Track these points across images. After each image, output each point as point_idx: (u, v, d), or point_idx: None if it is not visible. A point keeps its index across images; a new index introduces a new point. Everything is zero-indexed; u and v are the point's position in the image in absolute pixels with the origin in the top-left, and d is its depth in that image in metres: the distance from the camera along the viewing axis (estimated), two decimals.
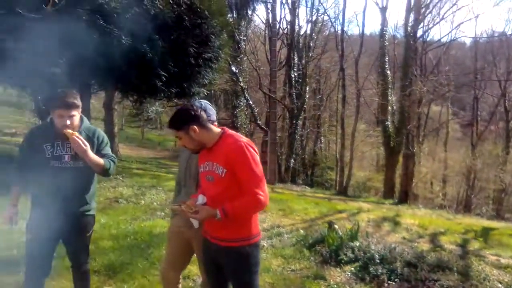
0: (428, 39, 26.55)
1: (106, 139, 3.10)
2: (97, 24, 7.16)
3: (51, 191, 2.88)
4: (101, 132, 3.11)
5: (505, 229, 11.23)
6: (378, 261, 5.21)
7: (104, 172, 2.94)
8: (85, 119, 3.07)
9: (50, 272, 3.03)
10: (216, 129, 2.50)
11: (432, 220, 10.65)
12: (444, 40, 27.73)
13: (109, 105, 16.46)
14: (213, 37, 9.22)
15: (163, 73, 8.55)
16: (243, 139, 2.43)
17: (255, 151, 2.42)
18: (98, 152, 2.98)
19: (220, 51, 9.74)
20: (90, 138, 2.97)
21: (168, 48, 8.45)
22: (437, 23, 23.74)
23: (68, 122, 2.81)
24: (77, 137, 2.76)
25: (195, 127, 2.39)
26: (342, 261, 5.24)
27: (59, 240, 3.05)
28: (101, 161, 2.88)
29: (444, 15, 26.45)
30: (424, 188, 30.47)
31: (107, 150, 3.07)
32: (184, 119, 2.41)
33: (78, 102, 2.87)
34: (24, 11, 5.11)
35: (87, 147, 2.78)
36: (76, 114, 2.86)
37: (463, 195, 29.82)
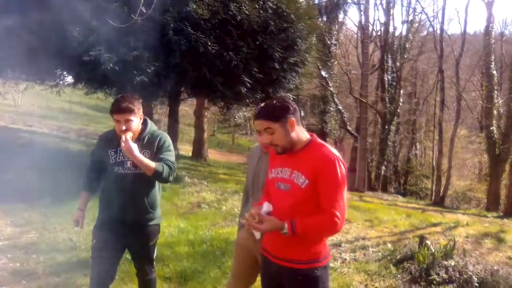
0: None
1: (168, 143, 2.99)
2: (184, 32, 7.34)
3: (114, 197, 2.88)
4: (164, 136, 3.02)
5: None
6: (476, 284, 4.62)
7: (157, 176, 2.81)
8: (150, 123, 3.02)
9: (115, 277, 3.04)
10: (306, 133, 2.27)
11: None
12: None
13: (199, 112, 17.00)
14: (300, 40, 9.01)
15: (247, 79, 8.53)
16: (335, 152, 2.18)
17: (345, 168, 2.18)
18: (158, 153, 2.89)
19: (307, 55, 9.51)
20: (152, 142, 2.92)
21: (253, 53, 8.42)
22: None
23: (124, 127, 2.78)
24: (124, 137, 2.71)
25: (294, 119, 2.17)
26: (434, 281, 4.73)
27: (123, 247, 3.04)
28: (151, 164, 2.76)
29: None
30: None
31: (167, 154, 2.94)
32: (284, 110, 2.17)
33: (134, 106, 2.81)
34: (114, 22, 5.32)
35: (133, 147, 2.70)
36: (133, 118, 2.81)
37: None
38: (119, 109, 2.78)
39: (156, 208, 3.03)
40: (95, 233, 2.97)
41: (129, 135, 2.75)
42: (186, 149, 19.31)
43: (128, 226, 2.87)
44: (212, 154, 22.55)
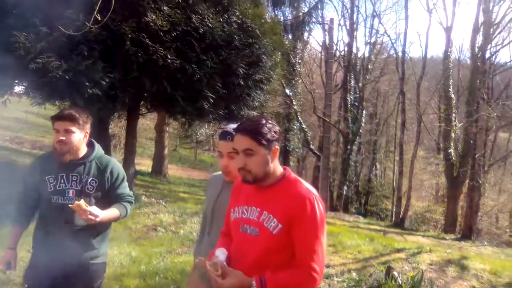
0: (495, 61, 24.91)
1: (122, 173, 2.63)
2: (142, 43, 6.89)
3: (52, 232, 2.43)
4: (116, 164, 2.64)
5: None
6: None
7: (122, 218, 2.60)
8: (97, 146, 2.61)
9: None
10: (280, 167, 1.92)
11: (504, 264, 9.37)
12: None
13: (160, 127, 16.42)
14: (265, 57, 8.71)
15: (210, 94, 8.13)
16: (313, 190, 1.84)
17: (324, 209, 1.82)
18: (112, 190, 2.56)
19: (272, 72, 9.22)
20: (101, 171, 2.53)
21: (217, 68, 8.05)
22: (507, 44, 21.85)
23: (63, 137, 2.39)
24: (84, 208, 2.30)
25: (277, 148, 1.84)
26: None
27: None
28: (115, 214, 2.52)
29: None
30: (489, 222, 28.12)
31: (123, 187, 2.62)
32: (274, 134, 1.82)
33: (78, 116, 2.43)
34: (67, 29, 4.85)
35: (99, 216, 2.36)
36: (75, 130, 2.43)
37: None
38: (60, 116, 2.42)
39: (102, 244, 2.62)
40: (27, 275, 2.52)
41: (82, 201, 2.32)
42: (147, 164, 18.61)
43: (68, 266, 2.41)
44: (173, 170, 21.93)
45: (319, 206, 1.78)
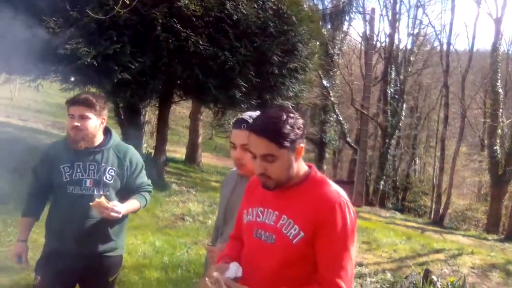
0: None
1: (140, 162, 2.50)
2: (174, 29, 6.73)
3: (67, 224, 2.29)
4: (135, 152, 2.49)
5: None
6: None
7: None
8: (115, 135, 2.46)
9: None
10: (304, 164, 1.64)
11: None
12: None
13: (195, 115, 16.37)
14: (301, 45, 8.39)
15: (242, 83, 7.91)
16: (342, 193, 1.55)
17: (355, 216, 1.54)
18: (131, 179, 2.42)
19: (308, 61, 8.88)
20: (120, 159, 2.39)
21: (250, 56, 7.81)
22: None
23: (77, 123, 2.23)
24: (105, 205, 2.18)
25: (303, 146, 1.54)
26: None
27: (74, 285, 2.43)
28: (136, 206, 2.43)
29: None
30: None
31: (142, 177, 2.50)
32: (297, 130, 1.49)
33: (95, 102, 2.27)
34: (95, 13, 4.73)
35: (121, 211, 2.26)
36: (91, 116, 2.27)
37: None
38: (76, 101, 2.27)
39: (120, 235, 2.46)
40: (40, 268, 2.38)
41: (102, 198, 2.21)
42: (182, 152, 18.68)
43: (82, 259, 2.29)
44: (208, 159, 21.93)
45: (350, 213, 1.49)
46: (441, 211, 20.09)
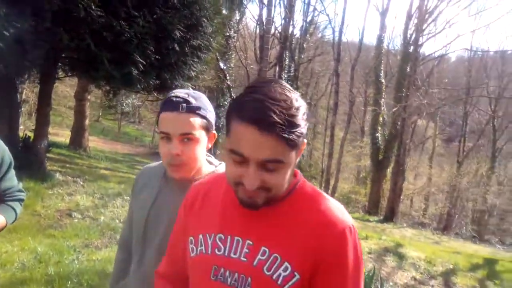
0: (420, 52, 25.68)
1: (8, 157, 1.82)
2: None
3: None
4: (1, 144, 1.79)
5: (508, 263, 10.41)
6: None
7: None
8: None
9: None
10: None
11: (435, 251, 9.43)
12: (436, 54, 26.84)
13: (81, 95, 14.69)
14: (206, 21, 7.70)
15: (140, 59, 7.01)
16: (344, 212, 1.07)
17: (360, 244, 1.09)
18: None
19: (212, 39, 8.23)
20: None
21: (149, 29, 6.93)
22: (438, 33, 22.49)
23: None
24: None
25: (305, 142, 1.04)
26: None
27: None
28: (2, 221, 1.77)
29: (447, 24, 25.44)
30: (405, 204, 29.56)
31: (10, 179, 1.83)
32: (306, 121, 1.00)
33: None
34: None
35: None
36: None
37: (445, 213, 29.03)
38: None
39: None
40: None
41: None
42: (65, 135, 16.78)
43: None
44: (95, 143, 20.20)
45: (357, 242, 1.06)
46: (329, 194, 21.06)
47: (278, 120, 0.92)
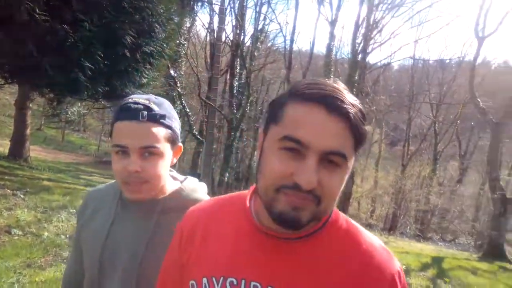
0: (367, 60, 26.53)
1: None
2: None
3: None
4: None
5: (453, 260, 10.89)
6: None
7: None
8: None
9: None
10: None
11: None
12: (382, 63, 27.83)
13: (22, 103, 13.83)
14: (158, 27, 7.47)
15: (88, 64, 6.68)
16: (391, 253, 0.91)
17: None
18: None
19: (165, 45, 7.99)
20: None
21: (98, 33, 6.62)
22: (384, 43, 23.30)
23: None
24: None
25: None
26: None
27: None
28: None
29: (392, 35, 26.47)
30: (352, 206, 30.31)
31: None
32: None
33: None
34: None
35: None
36: None
37: (390, 214, 30.05)
38: None
39: None
40: None
41: None
42: (4, 145, 15.76)
43: None
44: (36, 152, 19.19)
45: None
46: None
47: (350, 104, 0.78)
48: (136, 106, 1.15)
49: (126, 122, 1.15)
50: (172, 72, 19.20)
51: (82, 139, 36.40)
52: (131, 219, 1.23)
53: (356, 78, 20.87)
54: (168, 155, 1.22)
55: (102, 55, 6.83)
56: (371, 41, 21.85)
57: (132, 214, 1.24)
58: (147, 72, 8.05)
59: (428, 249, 13.72)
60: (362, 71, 20.35)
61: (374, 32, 21.15)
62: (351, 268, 0.85)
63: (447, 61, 30.47)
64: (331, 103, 0.77)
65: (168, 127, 1.19)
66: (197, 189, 1.31)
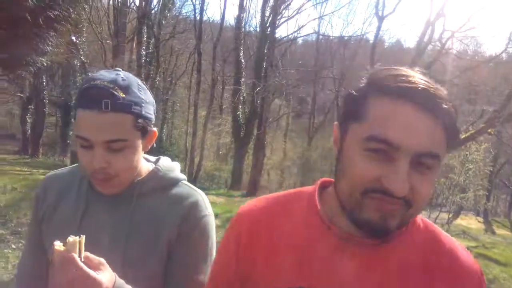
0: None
1: None
2: None
3: None
4: None
5: None
6: None
7: None
8: None
9: None
10: None
11: None
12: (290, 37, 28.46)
13: None
14: None
15: None
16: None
17: None
18: None
19: (71, 10, 7.35)
20: None
21: None
22: (290, 18, 23.82)
23: None
24: None
25: None
26: None
27: None
28: None
29: (298, 11, 27.02)
30: (262, 178, 31.33)
31: None
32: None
33: None
34: None
35: None
36: None
37: (298, 184, 31.55)
38: None
39: None
40: None
41: None
42: None
43: None
44: None
45: None
46: (194, 173, 21.11)
47: (444, 100, 0.71)
48: (97, 91, 1.00)
49: (87, 111, 1.01)
50: (73, 38, 17.86)
51: None
52: (105, 206, 1.13)
53: (266, 51, 21.20)
54: (139, 145, 1.10)
55: None
56: (279, 16, 22.25)
57: (106, 200, 1.13)
58: (51, 39, 7.36)
59: None
60: (272, 44, 20.64)
61: (282, 7, 21.48)
62: (440, 270, 0.81)
63: (346, 38, 32.01)
64: (424, 100, 0.71)
65: (139, 115, 1.06)
66: (173, 167, 1.25)
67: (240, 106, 22.90)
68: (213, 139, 30.11)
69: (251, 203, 0.97)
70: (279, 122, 34.51)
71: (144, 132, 1.10)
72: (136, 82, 1.10)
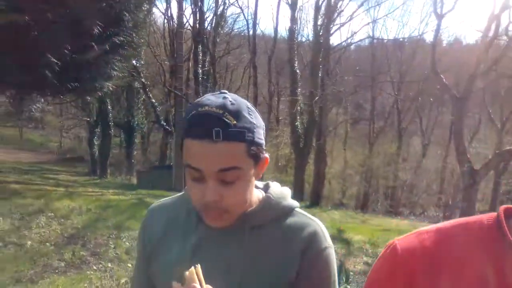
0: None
1: None
2: None
3: None
4: None
5: None
6: None
7: None
8: None
9: None
10: None
11: (373, 233, 9.77)
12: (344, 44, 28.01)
13: None
14: (127, 14, 7.04)
15: (54, 60, 6.21)
16: None
17: None
18: None
19: (134, 34, 7.57)
20: None
21: (63, 24, 6.15)
22: (343, 24, 23.46)
23: None
24: None
25: None
26: None
27: None
28: None
29: (350, 17, 26.63)
30: (325, 187, 30.79)
31: None
32: None
33: None
34: None
35: None
36: None
37: (362, 192, 30.70)
38: None
39: None
40: None
41: None
42: None
43: None
44: None
45: None
46: None
47: None
48: (208, 121, 0.92)
49: (196, 141, 0.92)
50: (134, 62, 18.64)
51: (42, 137, 35.02)
52: (215, 240, 1.03)
53: (320, 60, 20.93)
54: (252, 173, 1.00)
55: (69, 48, 6.37)
56: (331, 24, 21.94)
57: (216, 234, 1.03)
58: (117, 64, 7.62)
59: (403, 224, 14.06)
60: (326, 52, 20.36)
61: (335, 14, 21.18)
62: None
63: (401, 39, 31.02)
64: None
65: (252, 141, 0.96)
66: (285, 194, 1.12)
67: (298, 117, 22.74)
68: (271, 151, 30.09)
69: (409, 237, 0.84)
70: (336, 130, 33.95)
71: (256, 159, 1.00)
72: (245, 105, 0.99)
